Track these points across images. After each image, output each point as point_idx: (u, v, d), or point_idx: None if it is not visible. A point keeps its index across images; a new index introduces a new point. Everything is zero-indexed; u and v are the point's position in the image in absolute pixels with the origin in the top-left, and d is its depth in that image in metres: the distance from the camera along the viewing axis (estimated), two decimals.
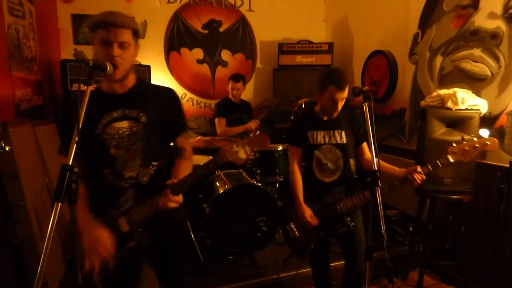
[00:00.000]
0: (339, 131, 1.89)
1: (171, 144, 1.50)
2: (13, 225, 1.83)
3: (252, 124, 3.24)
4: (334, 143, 1.88)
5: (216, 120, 3.42)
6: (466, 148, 1.63)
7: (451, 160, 1.64)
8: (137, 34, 1.32)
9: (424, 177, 1.70)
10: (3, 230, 1.81)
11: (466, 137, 1.73)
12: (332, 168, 1.88)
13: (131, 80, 1.37)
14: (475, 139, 1.63)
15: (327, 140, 1.89)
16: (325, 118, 1.92)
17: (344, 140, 1.88)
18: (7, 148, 1.81)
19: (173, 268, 1.52)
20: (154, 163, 1.39)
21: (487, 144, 1.62)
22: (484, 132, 2.15)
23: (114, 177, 1.35)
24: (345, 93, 1.81)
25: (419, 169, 1.69)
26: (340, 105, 1.84)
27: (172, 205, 1.31)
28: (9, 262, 1.82)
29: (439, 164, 1.67)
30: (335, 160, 1.88)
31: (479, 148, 1.62)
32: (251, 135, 1.37)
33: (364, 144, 1.96)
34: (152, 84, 1.48)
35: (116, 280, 1.39)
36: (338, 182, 1.88)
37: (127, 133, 1.34)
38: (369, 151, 1.91)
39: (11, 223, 1.83)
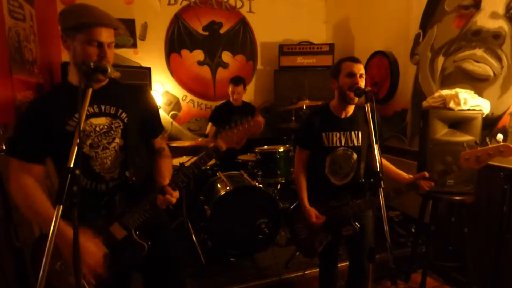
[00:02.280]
0: (356, 132, 1.79)
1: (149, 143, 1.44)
2: (14, 227, 1.83)
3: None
4: (351, 146, 1.80)
5: (208, 124, 3.52)
6: (479, 154, 1.55)
7: (464, 166, 1.58)
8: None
9: (433, 184, 1.64)
10: (5, 232, 1.80)
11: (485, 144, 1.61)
12: (346, 171, 1.82)
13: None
14: (489, 145, 1.56)
15: (343, 142, 1.79)
16: (343, 116, 1.81)
17: (360, 142, 1.80)
18: None
19: (172, 275, 1.45)
20: (135, 162, 1.32)
21: (501, 151, 1.53)
22: (499, 137, 2.09)
23: (91, 180, 1.26)
24: (362, 68, 1.70)
25: (426, 175, 1.63)
26: (361, 82, 1.69)
27: (172, 201, 1.27)
28: (11, 264, 1.81)
29: (451, 171, 1.61)
30: (350, 163, 1.80)
31: (493, 155, 1.53)
32: (239, 124, 1.32)
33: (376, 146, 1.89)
34: (128, 84, 1.41)
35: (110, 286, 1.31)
36: (349, 185, 1.82)
37: (105, 130, 1.26)
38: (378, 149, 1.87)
39: (13, 225, 1.83)
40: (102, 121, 1.27)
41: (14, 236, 1.82)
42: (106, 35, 1.20)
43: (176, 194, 1.29)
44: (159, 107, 1.50)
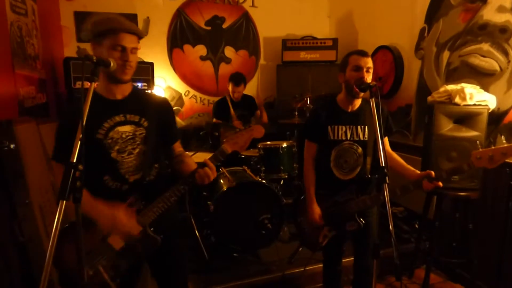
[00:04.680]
0: (362, 126, 1.77)
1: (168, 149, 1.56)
2: (18, 223, 1.84)
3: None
4: (357, 140, 1.78)
5: (214, 121, 3.49)
6: (491, 154, 1.47)
7: (475, 166, 1.50)
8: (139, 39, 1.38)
9: (440, 185, 1.57)
10: (9, 227, 1.81)
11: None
12: (351, 166, 1.80)
13: (129, 86, 1.41)
14: (505, 144, 1.50)
15: (348, 136, 1.77)
16: (350, 110, 1.79)
17: (367, 137, 1.78)
18: (12, 146, 1.81)
19: (177, 269, 1.56)
20: (155, 165, 1.45)
21: None
22: None
23: (117, 183, 1.37)
24: (369, 62, 1.68)
25: (433, 174, 1.57)
26: (368, 76, 1.67)
27: (210, 176, 1.33)
28: (15, 259, 1.82)
29: (462, 169, 1.55)
30: (355, 157, 1.78)
31: (509, 155, 1.44)
32: (243, 129, 1.44)
33: (385, 139, 1.81)
34: (149, 93, 1.57)
35: (124, 279, 1.42)
36: (354, 180, 1.80)
37: (130, 137, 1.37)
38: (388, 147, 1.83)
39: (17, 220, 1.84)
40: (127, 128, 1.37)
41: (18, 232, 1.84)
42: (129, 40, 1.27)
43: (214, 168, 1.36)
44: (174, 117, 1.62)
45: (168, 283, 1.55)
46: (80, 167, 1.00)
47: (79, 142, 1.03)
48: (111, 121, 1.34)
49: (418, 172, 1.69)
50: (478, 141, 1.53)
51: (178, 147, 1.56)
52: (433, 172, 1.58)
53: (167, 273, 1.53)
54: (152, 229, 1.38)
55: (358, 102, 1.80)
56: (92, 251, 1.34)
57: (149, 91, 3.30)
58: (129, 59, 1.28)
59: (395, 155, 1.83)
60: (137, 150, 1.38)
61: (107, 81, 1.33)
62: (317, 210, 1.82)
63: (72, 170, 0.98)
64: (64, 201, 0.97)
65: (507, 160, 2.10)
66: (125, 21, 1.29)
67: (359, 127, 1.77)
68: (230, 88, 3.41)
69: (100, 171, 1.34)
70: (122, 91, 1.37)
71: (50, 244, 0.95)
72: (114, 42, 1.25)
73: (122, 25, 1.27)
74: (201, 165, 1.37)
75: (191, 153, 2.73)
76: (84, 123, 1.05)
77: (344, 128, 1.78)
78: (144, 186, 1.40)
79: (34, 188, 1.95)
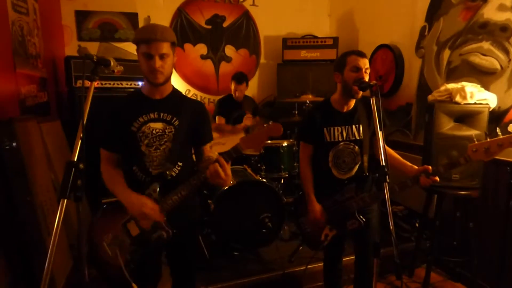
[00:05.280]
0: (357, 125, 1.79)
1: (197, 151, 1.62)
2: (19, 221, 1.84)
3: (247, 121, 3.23)
4: (353, 140, 1.79)
5: (216, 118, 3.46)
6: (487, 146, 1.46)
7: (472, 159, 1.50)
8: (175, 44, 1.44)
9: (437, 180, 1.57)
10: (10, 225, 1.82)
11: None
12: (350, 165, 1.82)
13: (168, 88, 1.51)
14: (500, 135, 1.51)
15: (344, 136, 1.79)
16: (344, 110, 1.80)
17: (362, 136, 1.79)
18: (13, 145, 1.82)
19: (187, 262, 1.66)
20: (179, 163, 1.51)
21: None
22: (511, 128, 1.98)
23: (143, 174, 1.47)
24: (367, 63, 1.70)
25: (430, 170, 1.57)
26: (366, 77, 1.68)
27: (220, 173, 1.30)
28: (17, 257, 1.83)
29: (458, 163, 1.54)
30: (353, 156, 1.80)
31: (505, 146, 1.43)
32: (256, 129, 1.41)
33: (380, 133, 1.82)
34: (186, 96, 1.66)
35: (141, 272, 1.51)
36: (353, 178, 1.81)
37: (159, 133, 1.46)
38: (383, 142, 1.85)
39: (18, 218, 1.84)
40: (158, 125, 1.46)
41: (19, 230, 1.84)
42: (155, 48, 1.35)
43: (226, 168, 1.34)
44: (209, 121, 1.67)
45: (177, 274, 1.66)
46: (81, 165, 1.00)
47: (80, 141, 1.03)
48: (146, 116, 1.44)
49: (416, 167, 1.69)
50: (474, 136, 1.52)
51: (208, 150, 1.60)
52: (430, 167, 1.58)
53: (178, 265, 1.64)
54: (166, 220, 1.43)
55: (353, 102, 1.81)
56: (114, 235, 1.47)
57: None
58: (156, 65, 1.35)
59: (391, 151, 1.84)
60: (163, 146, 1.46)
61: (148, 83, 1.45)
62: (317, 207, 1.83)
63: (73, 169, 0.99)
64: (65, 200, 0.97)
65: (508, 159, 2.12)
66: (156, 31, 1.35)
67: (354, 126, 1.79)
68: (232, 86, 3.41)
69: (131, 161, 1.47)
70: (160, 92, 1.47)
71: (51, 242, 0.95)
72: (144, 50, 1.36)
73: (150, 35, 1.34)
74: (212, 161, 1.37)
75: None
76: (84, 122, 1.05)
77: (339, 129, 1.79)
78: (167, 181, 1.45)
79: (35, 186, 1.96)
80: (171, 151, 1.47)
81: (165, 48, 1.37)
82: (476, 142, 1.50)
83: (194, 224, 1.69)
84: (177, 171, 1.50)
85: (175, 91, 1.55)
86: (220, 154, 1.37)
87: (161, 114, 1.47)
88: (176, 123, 1.48)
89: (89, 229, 1.54)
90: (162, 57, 1.37)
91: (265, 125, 1.39)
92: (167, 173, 1.45)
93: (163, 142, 1.46)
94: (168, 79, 1.46)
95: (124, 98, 1.54)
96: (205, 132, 1.60)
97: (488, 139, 1.49)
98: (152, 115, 1.46)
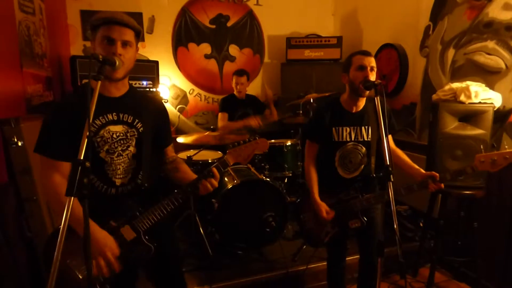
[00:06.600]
0: (366, 127, 1.79)
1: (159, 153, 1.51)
2: (26, 219, 1.86)
3: (252, 121, 3.23)
4: (361, 141, 1.79)
5: (219, 114, 3.47)
6: (495, 158, 1.51)
7: (478, 169, 1.55)
8: (139, 36, 1.32)
9: (442, 186, 1.62)
10: (17, 223, 1.84)
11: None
12: (356, 166, 1.82)
13: (126, 85, 1.36)
14: (506, 148, 1.57)
15: (353, 137, 1.79)
16: (354, 111, 1.80)
17: (370, 137, 1.80)
18: (19, 143, 1.84)
19: (172, 269, 1.54)
20: (146, 170, 1.37)
21: None
22: None
23: (103, 185, 1.30)
24: (373, 61, 1.70)
25: (437, 177, 1.61)
26: (372, 75, 1.68)
27: (216, 185, 1.33)
28: (23, 255, 1.85)
29: (465, 172, 1.58)
30: (360, 157, 1.81)
31: (510, 160, 1.49)
32: (247, 142, 1.41)
33: (389, 137, 1.83)
34: (144, 93, 1.49)
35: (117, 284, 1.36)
36: (358, 178, 1.82)
37: (120, 137, 1.31)
38: (393, 144, 1.85)
39: (24, 216, 1.86)
40: (119, 128, 1.31)
41: (26, 227, 1.86)
42: (119, 33, 1.22)
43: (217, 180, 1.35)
44: (166, 101, 1.58)
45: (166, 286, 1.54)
46: (87, 164, 1.01)
47: (86, 140, 1.04)
48: (103, 118, 1.28)
49: (423, 171, 1.70)
50: (481, 145, 1.60)
51: (170, 151, 1.52)
52: (437, 174, 1.61)
53: (164, 277, 1.51)
54: (147, 237, 1.33)
55: (362, 103, 1.81)
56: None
57: (153, 90, 3.30)
58: (118, 51, 1.20)
59: (399, 152, 1.84)
60: (126, 152, 1.32)
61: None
62: (323, 205, 1.83)
63: (80, 167, 0.99)
64: (72, 198, 0.98)
65: None
66: (121, 14, 1.23)
67: (363, 128, 1.79)
68: (233, 81, 3.42)
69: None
70: (118, 89, 1.32)
71: (58, 240, 0.96)
72: (105, 33, 1.21)
73: (113, 15, 1.21)
74: (205, 174, 1.34)
75: (195, 152, 2.74)
76: (91, 120, 1.05)
77: (348, 129, 1.79)
78: (138, 192, 1.35)
79: (41, 185, 1.98)
80: (136, 157, 1.33)
81: (129, 35, 1.24)
82: (483, 153, 1.57)
83: (168, 226, 1.54)
84: (151, 179, 1.39)
85: (132, 89, 1.39)
86: (210, 167, 1.36)
87: (121, 115, 1.30)
88: (139, 125, 1.34)
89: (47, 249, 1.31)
90: (125, 44, 1.23)
91: (252, 141, 1.40)
92: (136, 183, 1.34)
93: (125, 148, 1.31)
94: (127, 73, 1.29)
95: (74, 95, 1.37)
96: (168, 133, 1.50)
97: (495, 151, 1.55)
98: (110, 117, 1.28)
